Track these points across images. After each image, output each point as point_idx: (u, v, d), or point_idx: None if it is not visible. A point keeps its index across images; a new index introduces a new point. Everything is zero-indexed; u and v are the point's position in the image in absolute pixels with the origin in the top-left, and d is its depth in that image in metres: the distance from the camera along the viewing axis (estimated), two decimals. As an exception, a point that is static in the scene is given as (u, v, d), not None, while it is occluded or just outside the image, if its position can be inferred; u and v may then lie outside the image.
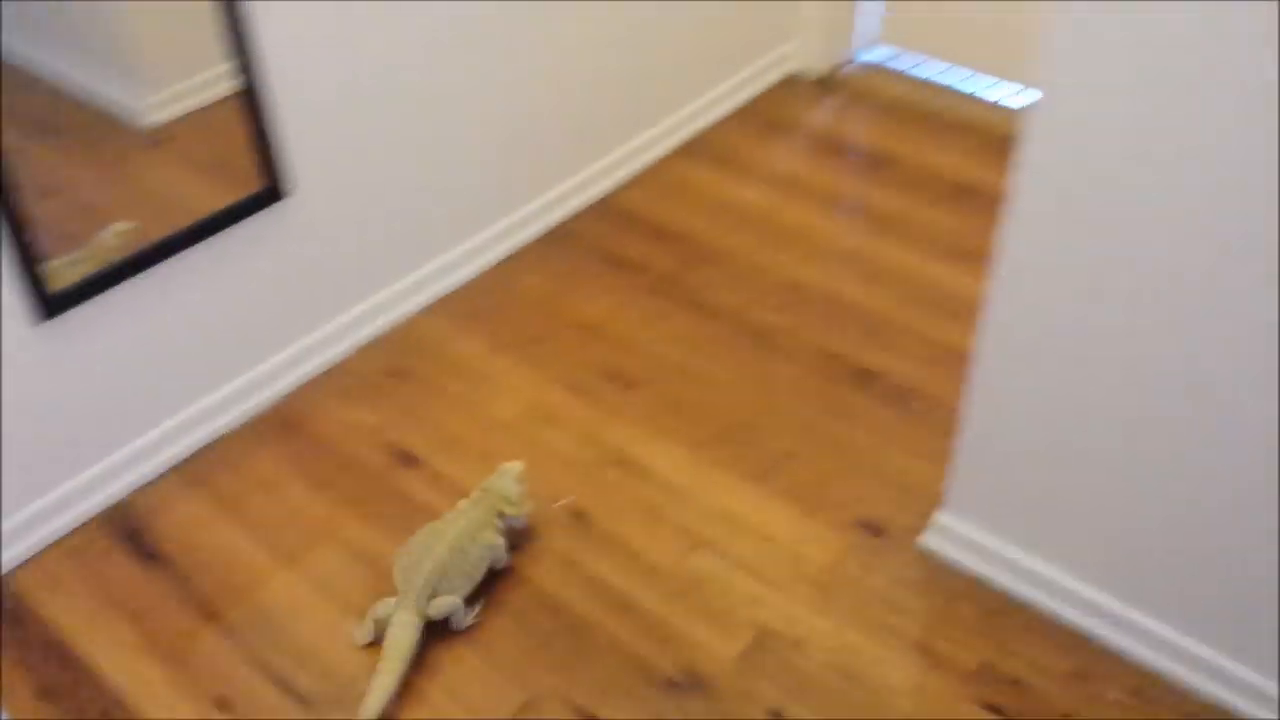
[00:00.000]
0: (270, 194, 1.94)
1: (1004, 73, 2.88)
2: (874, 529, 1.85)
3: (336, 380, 2.17)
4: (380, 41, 1.99)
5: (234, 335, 2.01)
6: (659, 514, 1.89)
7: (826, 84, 3.00)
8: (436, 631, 1.68)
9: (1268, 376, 1.31)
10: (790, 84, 3.01)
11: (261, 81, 1.83)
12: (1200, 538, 1.49)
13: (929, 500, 1.82)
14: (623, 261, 2.44)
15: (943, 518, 1.79)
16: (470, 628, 1.70)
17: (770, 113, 2.91)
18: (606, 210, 2.58)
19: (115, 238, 1.79)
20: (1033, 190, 1.40)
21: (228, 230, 1.91)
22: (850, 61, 3.03)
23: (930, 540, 1.81)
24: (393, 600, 1.65)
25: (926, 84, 2.96)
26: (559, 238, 2.51)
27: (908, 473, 1.93)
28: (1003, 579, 1.74)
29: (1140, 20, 1.19)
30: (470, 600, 1.71)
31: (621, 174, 2.64)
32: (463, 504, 1.76)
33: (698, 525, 1.87)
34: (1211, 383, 1.37)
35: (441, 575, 1.65)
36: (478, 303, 2.34)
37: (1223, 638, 1.55)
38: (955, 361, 2.12)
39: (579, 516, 1.88)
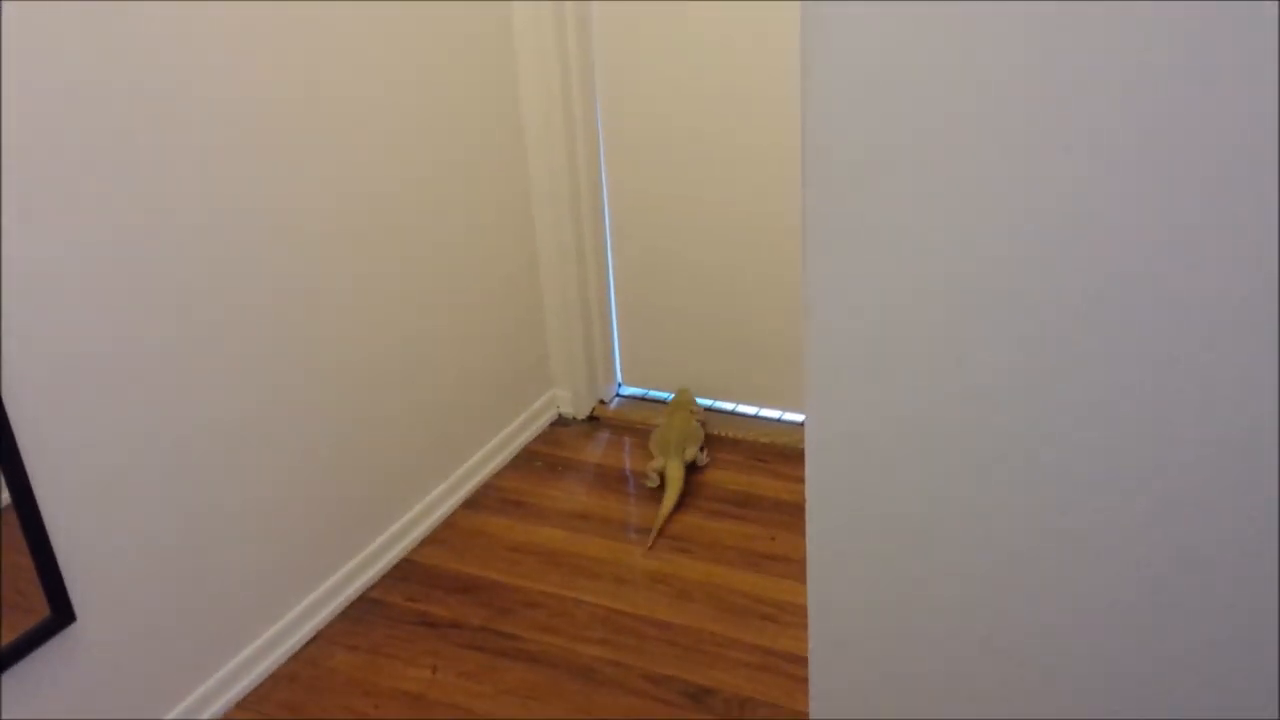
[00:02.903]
0: (53, 623, 1.80)
1: (744, 399, 3.13)
2: None
3: (140, 809, 1.95)
4: (155, 430, 1.96)
5: (18, 780, 1.80)
6: None
7: (595, 419, 3.16)
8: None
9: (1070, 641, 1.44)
10: (562, 424, 3.15)
11: (29, 496, 1.73)
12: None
13: (795, 810, 1.81)
14: (434, 621, 2.38)
15: (812, 826, 1.77)
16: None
17: (548, 454, 3.02)
18: (408, 572, 2.55)
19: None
20: (822, 502, 1.51)
21: (5, 673, 1.74)
22: (615, 395, 3.22)
23: None
24: (660, 460, 2.78)
25: (686, 407, 3.18)
26: (363, 608, 2.44)
27: (766, 785, 1.92)
28: None
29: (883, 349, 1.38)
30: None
31: (417, 534, 2.63)
32: (666, 413, 2.95)
33: None
34: (1023, 647, 1.48)
35: (685, 437, 2.82)
36: (288, 692, 2.20)
37: None
38: (783, 664, 2.18)
39: None
